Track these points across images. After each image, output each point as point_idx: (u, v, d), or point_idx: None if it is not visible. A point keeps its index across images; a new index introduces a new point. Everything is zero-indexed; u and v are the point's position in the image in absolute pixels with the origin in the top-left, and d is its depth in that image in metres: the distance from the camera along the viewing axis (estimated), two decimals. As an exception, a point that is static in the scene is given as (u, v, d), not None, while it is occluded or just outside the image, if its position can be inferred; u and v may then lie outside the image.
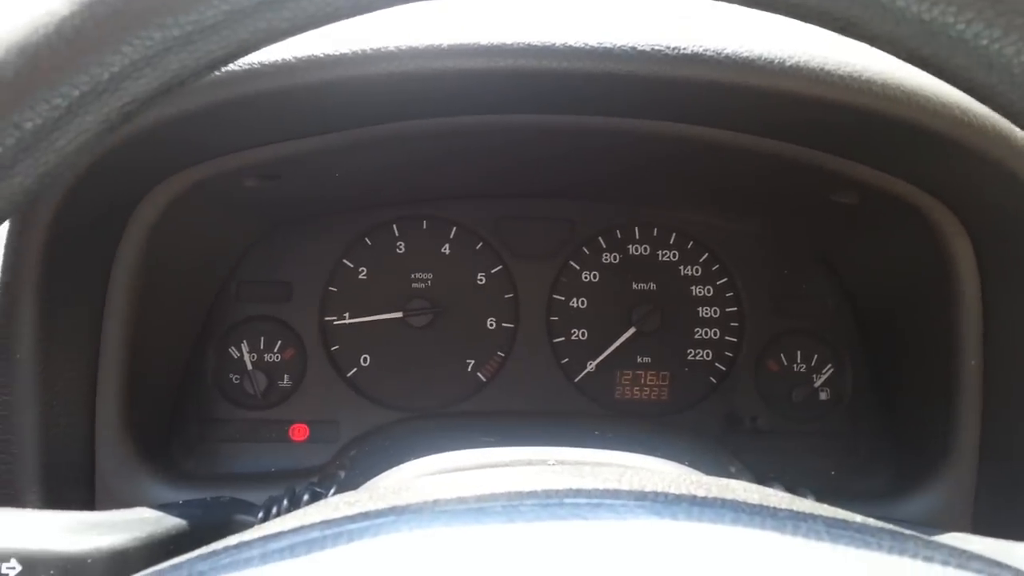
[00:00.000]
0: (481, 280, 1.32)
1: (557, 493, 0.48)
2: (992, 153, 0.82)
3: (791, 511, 0.48)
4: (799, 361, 1.31)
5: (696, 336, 1.32)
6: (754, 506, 0.48)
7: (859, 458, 1.25)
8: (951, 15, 0.43)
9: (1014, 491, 0.98)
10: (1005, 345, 0.99)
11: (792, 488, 0.88)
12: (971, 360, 0.99)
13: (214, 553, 0.47)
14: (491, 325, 1.31)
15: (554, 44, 0.77)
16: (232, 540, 0.51)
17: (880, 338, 1.24)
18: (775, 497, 0.54)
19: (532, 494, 0.48)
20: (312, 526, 0.46)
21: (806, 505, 0.54)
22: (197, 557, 0.47)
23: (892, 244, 1.11)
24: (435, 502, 0.50)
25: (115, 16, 0.45)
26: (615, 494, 0.49)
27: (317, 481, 0.90)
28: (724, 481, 0.61)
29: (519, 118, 0.96)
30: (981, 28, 0.43)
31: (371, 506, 0.51)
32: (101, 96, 0.46)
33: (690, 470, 0.77)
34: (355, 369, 1.29)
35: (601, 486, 0.51)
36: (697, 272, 1.33)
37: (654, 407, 1.31)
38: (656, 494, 0.49)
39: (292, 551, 0.43)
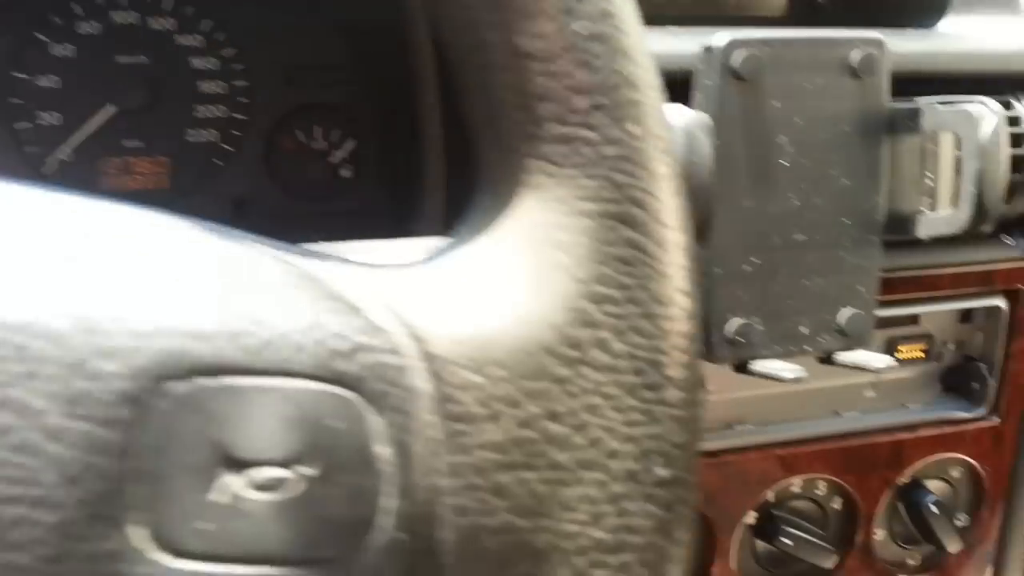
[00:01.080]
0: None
1: None
2: None
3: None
4: (317, 138, 1.19)
5: (197, 115, 1.15)
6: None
7: (376, 232, 1.17)
8: None
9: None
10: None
11: None
12: (429, 101, 0.92)
13: None
14: (-75, 109, 1.05)
15: None
16: None
17: (389, 106, 1.14)
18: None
19: None
20: None
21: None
22: None
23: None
24: None
25: None
26: None
27: None
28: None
29: None
30: None
31: None
32: None
33: None
34: None
35: None
36: (197, 42, 1.15)
37: (151, 196, 1.13)
38: None
39: None
